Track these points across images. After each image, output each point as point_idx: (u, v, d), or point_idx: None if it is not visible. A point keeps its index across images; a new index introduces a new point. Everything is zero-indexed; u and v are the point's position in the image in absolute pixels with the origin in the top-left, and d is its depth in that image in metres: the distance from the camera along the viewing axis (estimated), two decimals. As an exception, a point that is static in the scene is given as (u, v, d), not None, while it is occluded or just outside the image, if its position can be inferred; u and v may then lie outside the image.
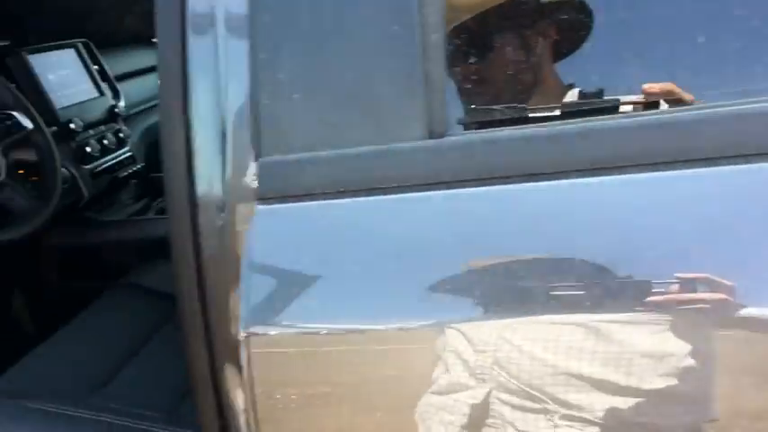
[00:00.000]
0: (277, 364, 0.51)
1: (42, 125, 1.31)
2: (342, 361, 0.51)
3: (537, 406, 0.50)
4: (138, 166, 1.71)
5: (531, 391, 0.49)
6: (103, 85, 1.72)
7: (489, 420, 0.49)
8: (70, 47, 1.67)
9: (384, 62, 0.50)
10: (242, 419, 0.55)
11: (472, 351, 0.48)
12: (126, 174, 1.67)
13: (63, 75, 1.60)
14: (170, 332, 1.27)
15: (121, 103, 1.73)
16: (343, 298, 0.51)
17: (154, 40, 1.87)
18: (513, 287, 0.48)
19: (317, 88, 0.52)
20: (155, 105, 1.99)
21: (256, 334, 0.50)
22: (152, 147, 1.85)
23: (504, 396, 0.49)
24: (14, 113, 1.28)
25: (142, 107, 1.91)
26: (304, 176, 0.52)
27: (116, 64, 1.84)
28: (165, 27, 0.53)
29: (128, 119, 1.79)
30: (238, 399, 0.54)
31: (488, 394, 0.49)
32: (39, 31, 1.62)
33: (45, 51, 1.58)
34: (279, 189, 0.52)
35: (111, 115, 1.68)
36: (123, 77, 1.87)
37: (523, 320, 0.47)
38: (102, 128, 1.64)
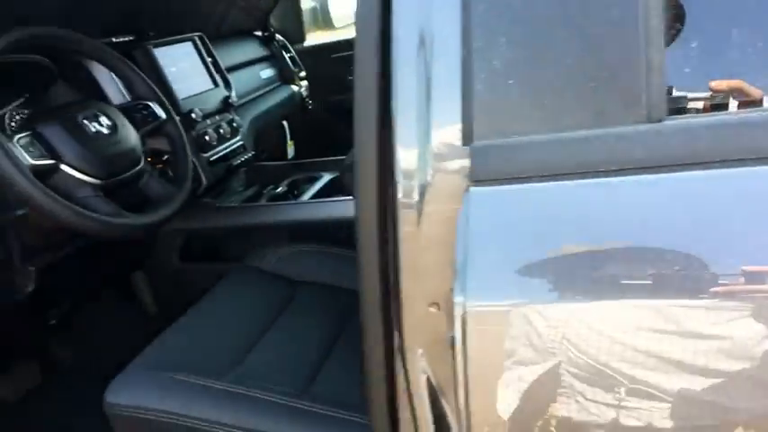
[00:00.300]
0: (494, 342, 0.53)
1: (174, 115, 1.38)
2: (560, 339, 0.52)
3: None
4: (249, 155, 1.77)
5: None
6: (217, 77, 1.79)
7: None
8: (188, 40, 1.75)
9: (604, 47, 0.51)
10: (431, 397, 0.57)
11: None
12: (238, 162, 1.73)
13: (183, 67, 1.68)
14: (293, 313, 1.32)
15: (233, 94, 1.80)
16: (560, 277, 0.52)
17: (256, 33, 1.94)
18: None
19: (533, 74, 0.53)
20: (261, 95, 2.06)
21: (474, 312, 0.52)
22: (260, 136, 1.91)
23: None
24: (149, 104, 1.36)
25: (249, 97, 1.97)
26: (519, 160, 0.53)
27: (223, 56, 1.92)
28: (366, 13, 0.55)
29: (237, 109, 1.85)
30: (439, 378, 0.56)
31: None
32: (153, 26, 1.70)
33: (166, 45, 1.65)
34: (492, 172, 0.54)
35: (225, 105, 1.75)
36: (230, 69, 1.94)
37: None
38: (218, 118, 1.71)
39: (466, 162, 0.54)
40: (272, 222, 1.60)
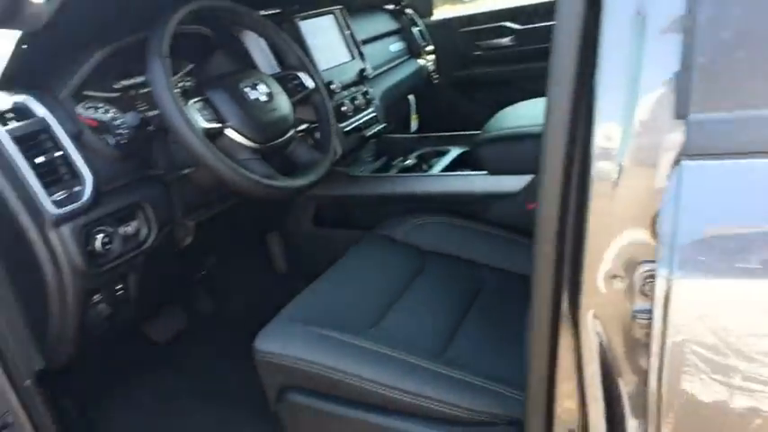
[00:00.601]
0: (701, 319, 0.53)
1: (321, 85, 1.45)
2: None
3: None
4: (381, 126, 1.82)
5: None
6: (354, 50, 1.85)
7: None
8: (329, 13, 1.81)
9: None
10: (603, 368, 0.59)
11: None
12: (371, 133, 1.79)
13: (324, 39, 1.75)
14: (424, 282, 1.36)
15: (368, 66, 1.85)
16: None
17: (387, 6, 1.96)
18: None
19: (765, 46, 0.51)
20: (391, 68, 2.10)
21: (680, 286, 0.52)
22: (390, 108, 1.96)
23: None
24: (299, 74, 1.44)
25: (380, 70, 2.02)
26: (743, 135, 0.52)
27: (358, 29, 1.96)
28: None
29: (370, 81, 1.90)
30: (615, 351, 0.57)
31: None
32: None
33: (310, 18, 1.73)
34: (710, 146, 0.53)
35: (361, 78, 1.81)
36: (363, 42, 1.99)
37: None
38: (354, 89, 1.77)
39: (678, 135, 0.53)
40: (402, 193, 1.65)
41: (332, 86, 1.65)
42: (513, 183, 1.50)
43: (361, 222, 1.73)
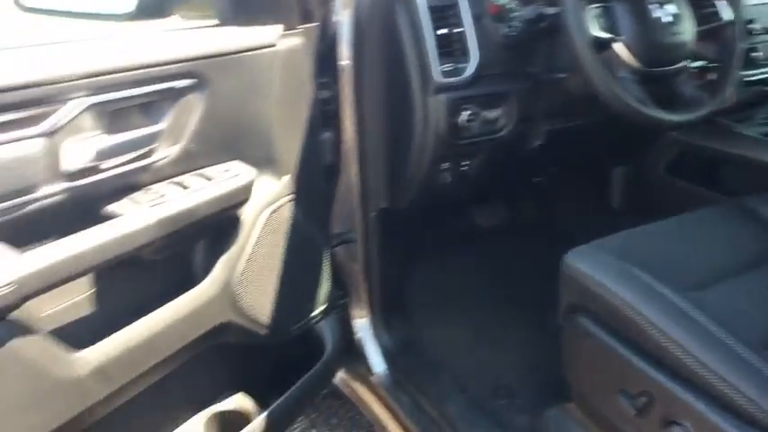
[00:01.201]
0: None
1: (740, 21, 1.27)
2: None
3: None
4: (797, 87, 1.53)
5: None
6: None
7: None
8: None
9: None
10: None
11: None
12: (777, 92, 1.52)
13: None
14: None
15: (810, 12, 1.54)
16: None
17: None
18: None
19: None
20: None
21: None
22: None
23: None
24: (718, 2, 1.28)
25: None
26: None
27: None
28: None
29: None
30: None
31: None
32: None
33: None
34: None
35: (794, 24, 1.52)
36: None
37: None
38: (779, 36, 1.51)
39: None
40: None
41: (752, 25, 1.44)
42: None
43: (724, 186, 1.54)
